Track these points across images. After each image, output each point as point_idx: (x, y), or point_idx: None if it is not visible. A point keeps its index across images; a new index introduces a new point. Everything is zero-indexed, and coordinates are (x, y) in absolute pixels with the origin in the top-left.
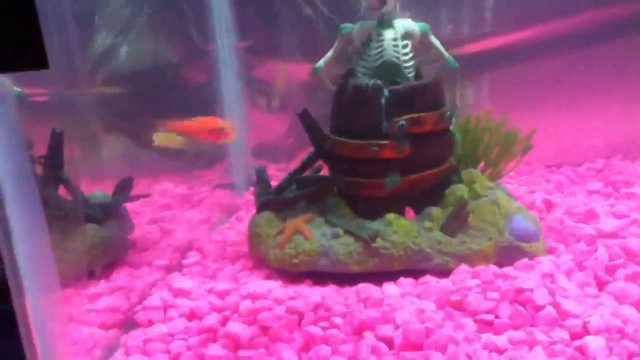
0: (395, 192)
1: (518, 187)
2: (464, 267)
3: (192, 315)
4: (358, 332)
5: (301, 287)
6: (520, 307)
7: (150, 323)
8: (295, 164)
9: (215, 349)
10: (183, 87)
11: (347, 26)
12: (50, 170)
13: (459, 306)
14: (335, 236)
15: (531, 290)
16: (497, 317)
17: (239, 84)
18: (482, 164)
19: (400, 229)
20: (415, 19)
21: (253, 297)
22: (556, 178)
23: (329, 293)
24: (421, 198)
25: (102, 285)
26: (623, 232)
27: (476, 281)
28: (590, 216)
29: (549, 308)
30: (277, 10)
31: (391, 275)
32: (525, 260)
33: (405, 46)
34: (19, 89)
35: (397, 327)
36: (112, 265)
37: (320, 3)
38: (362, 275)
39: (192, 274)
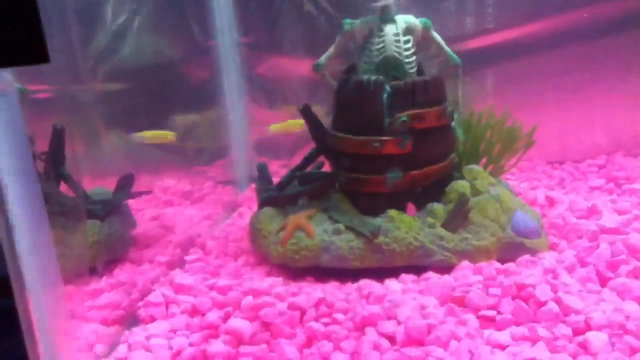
0: (397, 188)
1: (520, 183)
2: (465, 263)
3: (194, 312)
4: (360, 328)
5: (303, 283)
6: (522, 303)
7: (152, 319)
8: (296, 160)
9: (217, 345)
10: (185, 83)
11: (348, 22)
12: (52, 167)
13: (461, 302)
14: (337, 232)
15: (533, 286)
16: (499, 313)
17: (241, 80)
18: (484, 160)
19: (402, 225)
20: (417, 14)
21: (255, 293)
22: (558, 174)
23: (330, 289)
24: (423, 194)
25: (103, 282)
26: (625, 228)
27: (478, 277)
28: (593, 212)
29: (552, 304)
30: (279, 6)
31: (393, 272)
32: (527, 256)
33: (406, 42)
34: (20, 85)
35: (399, 323)
36: (114, 262)
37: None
38: (364, 271)
39: (194, 270)
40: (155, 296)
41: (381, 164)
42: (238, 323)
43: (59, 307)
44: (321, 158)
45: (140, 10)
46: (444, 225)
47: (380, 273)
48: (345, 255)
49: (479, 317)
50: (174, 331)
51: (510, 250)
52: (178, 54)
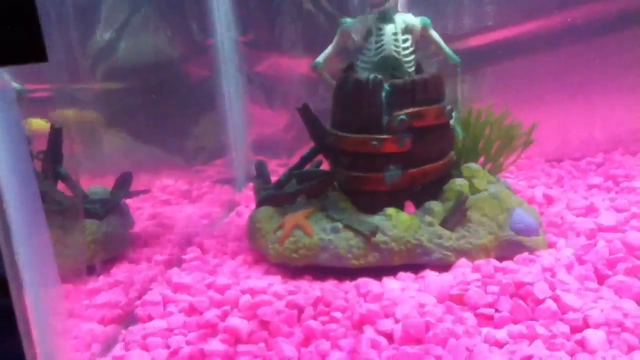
0: (396, 186)
1: (518, 181)
2: (464, 261)
3: (191, 310)
4: (358, 326)
5: (301, 282)
6: (520, 301)
7: (150, 318)
8: (295, 159)
9: (214, 344)
10: (183, 82)
11: (347, 21)
12: (50, 166)
13: (460, 300)
14: (335, 231)
15: (531, 284)
16: (497, 311)
17: (240, 78)
18: (482, 159)
19: (400, 224)
20: (417, 13)
21: (253, 292)
22: (556, 172)
23: (328, 288)
24: (422, 192)
25: (101, 281)
26: (623, 226)
27: (476, 275)
28: (591, 210)
29: (550, 302)
30: (278, 4)
31: (391, 270)
32: (526, 254)
33: (405, 40)
34: (18, 85)
35: (397, 321)
36: (112, 261)
37: None
38: (362, 270)
39: (192, 269)
40: (152, 295)
41: (380, 162)
42: (236, 322)
43: (57, 306)
44: (320, 156)
45: (138, 9)
46: (443, 224)
47: (379, 271)
48: (343, 254)
49: (477, 315)
50: (171, 330)
51: (508, 248)
52: (177, 52)
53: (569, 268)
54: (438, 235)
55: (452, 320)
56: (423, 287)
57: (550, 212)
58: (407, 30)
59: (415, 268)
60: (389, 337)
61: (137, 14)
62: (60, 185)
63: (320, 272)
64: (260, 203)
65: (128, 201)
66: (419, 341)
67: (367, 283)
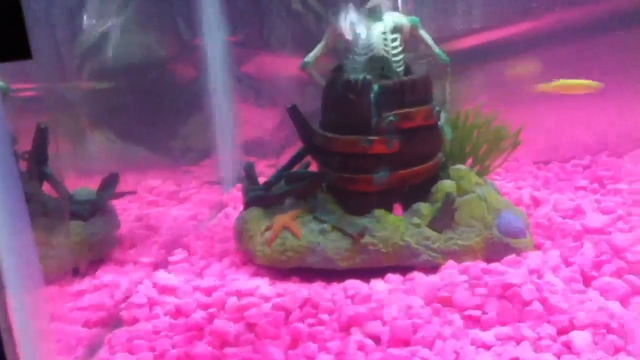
0: (385, 187)
1: (506, 183)
2: (451, 263)
3: (177, 313)
4: (345, 328)
5: (288, 284)
6: (507, 303)
7: (135, 321)
8: (284, 159)
9: (201, 347)
10: (171, 81)
11: (337, 19)
12: (35, 166)
13: (447, 302)
14: (323, 232)
15: (519, 286)
16: (484, 312)
17: (228, 78)
18: (470, 160)
19: (388, 225)
20: (409, 12)
21: (240, 294)
22: (543, 174)
23: (316, 290)
24: (410, 194)
25: (86, 283)
26: (609, 227)
27: (464, 277)
28: (577, 212)
29: (536, 304)
30: (267, 4)
31: (379, 272)
32: (513, 256)
33: (394, 40)
34: (2, 83)
35: (384, 323)
36: (98, 262)
37: None
38: (350, 272)
39: (178, 271)
40: (138, 297)
41: (369, 163)
42: (222, 324)
43: (40, 308)
44: (308, 158)
45: (126, 7)
46: (430, 225)
47: (366, 273)
48: (331, 256)
49: (464, 317)
50: (157, 333)
51: (496, 250)
52: (165, 52)
53: (555, 270)
54: (426, 237)
55: (439, 322)
56: (411, 288)
57: (538, 214)
58: (396, 29)
59: (403, 270)
60: (377, 339)
61: (125, 13)
62: (46, 187)
63: (308, 274)
64: (248, 204)
65: (115, 202)
66: (406, 343)
67: (355, 285)
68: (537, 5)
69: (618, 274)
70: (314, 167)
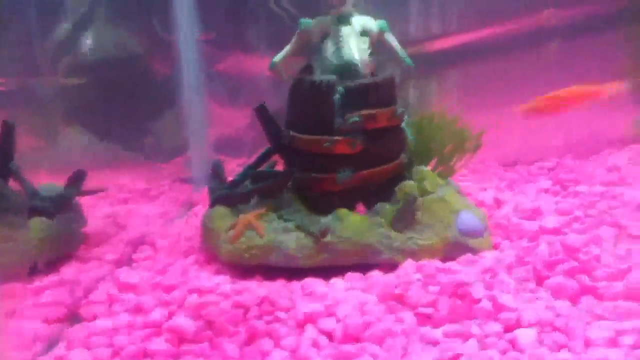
0: (348, 187)
1: (472, 184)
2: (410, 261)
3: (137, 310)
4: (301, 325)
5: (250, 282)
6: (458, 301)
7: (95, 317)
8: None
9: (158, 343)
10: (144, 79)
11: (306, 21)
12: (1, 162)
13: (401, 299)
14: (287, 231)
15: (469, 285)
16: (436, 310)
17: (201, 77)
18: (434, 162)
19: (350, 225)
20: (380, 15)
21: (200, 291)
22: (509, 176)
23: (275, 288)
24: (373, 194)
25: (47, 279)
26: (565, 228)
27: (418, 275)
28: (535, 213)
29: (485, 302)
30: (240, 3)
31: (340, 270)
32: (469, 255)
33: (362, 43)
34: None
35: (338, 320)
36: (62, 259)
37: None
38: (312, 270)
39: (142, 268)
40: (98, 294)
41: (333, 163)
42: (181, 321)
43: None
44: (275, 157)
45: (100, 5)
46: (392, 225)
47: (328, 272)
48: (293, 254)
49: (416, 314)
50: (115, 329)
51: (455, 249)
52: (138, 49)
53: (509, 269)
54: (387, 236)
55: (392, 320)
56: (367, 287)
57: (498, 215)
58: (364, 33)
59: (365, 268)
60: (330, 335)
61: (99, 10)
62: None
63: (271, 272)
64: (214, 203)
65: (84, 199)
66: (357, 339)
67: (313, 283)
68: (506, 9)
69: (570, 273)
70: (280, 167)
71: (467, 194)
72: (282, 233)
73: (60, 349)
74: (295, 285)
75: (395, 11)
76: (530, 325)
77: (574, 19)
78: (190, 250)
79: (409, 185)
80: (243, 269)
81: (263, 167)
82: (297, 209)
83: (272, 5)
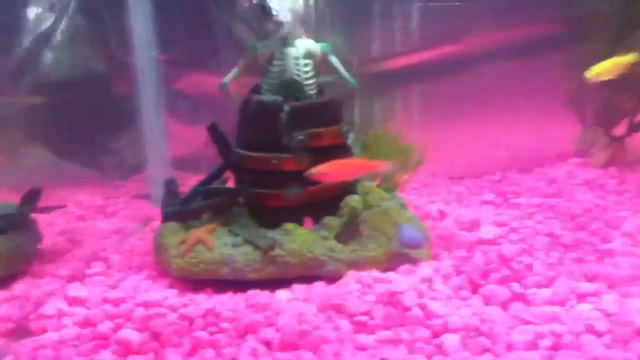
0: (296, 202)
1: (419, 198)
2: (352, 273)
3: (85, 323)
4: (242, 335)
5: (199, 295)
6: (392, 309)
7: (44, 331)
8: None
9: (105, 355)
10: (104, 98)
11: (252, 44)
12: None
13: (339, 309)
14: (236, 245)
15: (402, 293)
16: (371, 318)
17: (159, 96)
18: (379, 177)
19: (297, 238)
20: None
21: (147, 305)
22: (457, 189)
23: (221, 300)
24: (321, 208)
25: None
26: (501, 239)
27: (357, 286)
28: (474, 225)
29: (416, 309)
30: (198, 24)
31: (287, 282)
32: (408, 265)
33: (306, 65)
34: None
35: (277, 329)
36: (15, 276)
37: (240, 19)
38: (261, 283)
39: (94, 283)
40: (47, 309)
41: (280, 179)
42: (128, 333)
43: None
44: (228, 173)
45: (59, 25)
46: (337, 238)
47: (276, 284)
48: (242, 268)
49: (353, 322)
50: (63, 342)
51: (396, 260)
52: (98, 68)
53: (446, 278)
54: (332, 249)
55: (329, 328)
56: (309, 297)
57: (440, 227)
58: (308, 55)
59: (310, 280)
60: (269, 344)
61: (59, 29)
62: None
63: (221, 285)
64: (165, 218)
65: (42, 216)
66: (294, 347)
67: (257, 295)
68: (456, 30)
69: (503, 281)
70: (232, 183)
71: (415, 207)
72: (231, 247)
73: None
74: (240, 297)
75: (349, 33)
76: (456, 331)
77: (517, 42)
78: (143, 265)
79: (353, 199)
80: (194, 283)
81: (216, 184)
82: (247, 224)
83: (230, 25)
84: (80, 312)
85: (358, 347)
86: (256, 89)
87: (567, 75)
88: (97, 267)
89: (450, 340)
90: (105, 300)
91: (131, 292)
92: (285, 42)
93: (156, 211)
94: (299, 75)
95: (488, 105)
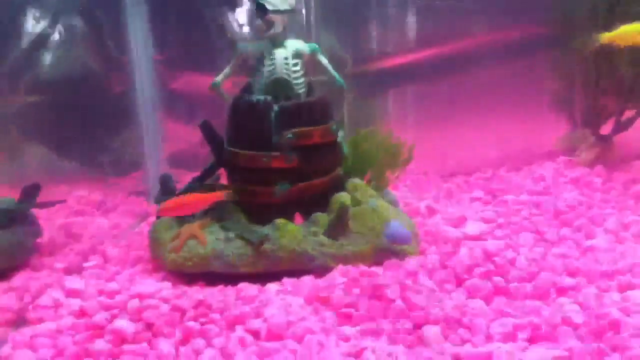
0: (285, 199)
1: (410, 195)
2: (340, 267)
3: (81, 314)
4: (231, 325)
5: (192, 288)
6: (376, 302)
7: (41, 321)
8: None
9: (100, 344)
10: (102, 97)
11: (243, 45)
12: None
13: (325, 301)
14: (228, 240)
15: (386, 287)
16: (356, 310)
17: (156, 95)
18: (368, 175)
19: (287, 233)
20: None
21: (141, 296)
22: (447, 187)
23: (212, 292)
24: (310, 205)
25: None
26: (486, 235)
27: (343, 279)
28: (461, 221)
29: (399, 302)
30: (192, 25)
31: (277, 276)
32: (394, 260)
33: (295, 64)
34: None
35: (264, 320)
36: (14, 268)
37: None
38: (252, 276)
39: (90, 276)
40: (45, 300)
41: (270, 177)
42: (122, 324)
43: None
44: (220, 170)
45: (57, 25)
46: (326, 233)
47: (266, 277)
48: (234, 262)
49: (338, 314)
50: (60, 331)
51: (383, 255)
52: (95, 68)
53: (431, 272)
54: (321, 244)
55: (315, 319)
56: (297, 290)
57: (428, 223)
58: (297, 55)
59: (300, 274)
60: (256, 334)
61: (56, 30)
62: None
63: (213, 278)
64: (160, 214)
65: (42, 212)
66: (280, 337)
67: (247, 287)
68: (448, 30)
69: (486, 275)
70: (224, 180)
71: (405, 204)
72: (223, 242)
73: (5, 350)
74: (231, 290)
75: (344, 32)
76: (437, 322)
77: (507, 42)
78: (138, 260)
79: (342, 196)
80: (187, 277)
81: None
82: (239, 220)
83: (223, 26)
84: (76, 303)
85: (341, 337)
86: (247, 89)
87: (555, 75)
88: (94, 260)
89: (431, 331)
90: (101, 292)
91: (126, 284)
92: (276, 42)
93: (153, 207)
94: (288, 75)
95: (480, 105)
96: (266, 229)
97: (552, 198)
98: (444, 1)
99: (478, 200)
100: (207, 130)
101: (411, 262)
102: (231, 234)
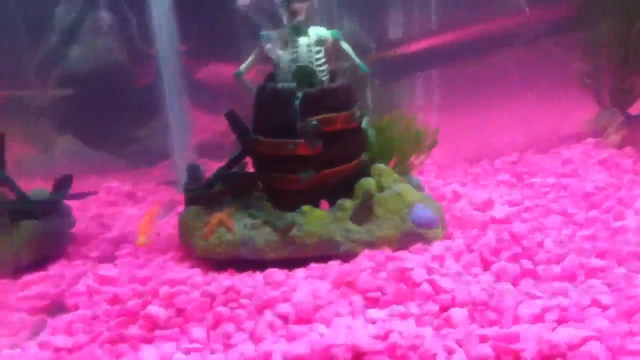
0: (311, 185)
1: (436, 180)
2: (367, 252)
3: (115, 300)
4: (260, 310)
5: (221, 274)
6: (402, 285)
7: (76, 307)
8: None
9: (133, 330)
10: (130, 89)
11: (266, 34)
12: None
13: (352, 285)
14: (255, 227)
15: (412, 270)
16: (383, 294)
17: (182, 85)
18: (394, 160)
19: (313, 220)
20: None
21: (172, 283)
22: (473, 171)
23: (241, 278)
24: (335, 191)
25: (34, 275)
26: (513, 218)
27: (370, 263)
28: (488, 205)
29: (425, 285)
30: (216, 16)
31: (304, 261)
32: (420, 244)
33: (318, 52)
34: None
35: (293, 305)
36: (51, 258)
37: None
38: (280, 262)
39: (123, 264)
40: (80, 287)
41: (295, 164)
42: (154, 309)
43: None
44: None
45: (86, 19)
46: (352, 219)
47: (293, 263)
48: (261, 248)
49: (366, 298)
50: (94, 318)
51: (409, 239)
52: (123, 60)
53: (458, 256)
54: (347, 229)
55: (342, 303)
56: (324, 275)
57: (455, 207)
58: (320, 42)
59: (326, 259)
60: (285, 318)
61: (84, 24)
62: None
63: (242, 265)
64: (189, 202)
65: (74, 202)
66: (308, 321)
67: (275, 273)
68: (473, 13)
69: (514, 258)
70: (251, 168)
71: (431, 189)
72: (251, 229)
73: (44, 336)
74: (259, 275)
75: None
76: (464, 305)
77: (533, 25)
78: (169, 247)
79: (366, 181)
80: (216, 263)
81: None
82: (264, 206)
83: (246, 17)
84: (110, 290)
85: (369, 320)
86: (271, 77)
87: (582, 56)
88: (126, 249)
89: (458, 313)
90: (133, 279)
91: (157, 271)
92: (299, 30)
93: (181, 196)
94: (311, 62)
95: (505, 88)
96: (293, 216)
97: (580, 180)
98: None
99: (504, 184)
100: (233, 119)
101: (437, 246)
102: (258, 221)
